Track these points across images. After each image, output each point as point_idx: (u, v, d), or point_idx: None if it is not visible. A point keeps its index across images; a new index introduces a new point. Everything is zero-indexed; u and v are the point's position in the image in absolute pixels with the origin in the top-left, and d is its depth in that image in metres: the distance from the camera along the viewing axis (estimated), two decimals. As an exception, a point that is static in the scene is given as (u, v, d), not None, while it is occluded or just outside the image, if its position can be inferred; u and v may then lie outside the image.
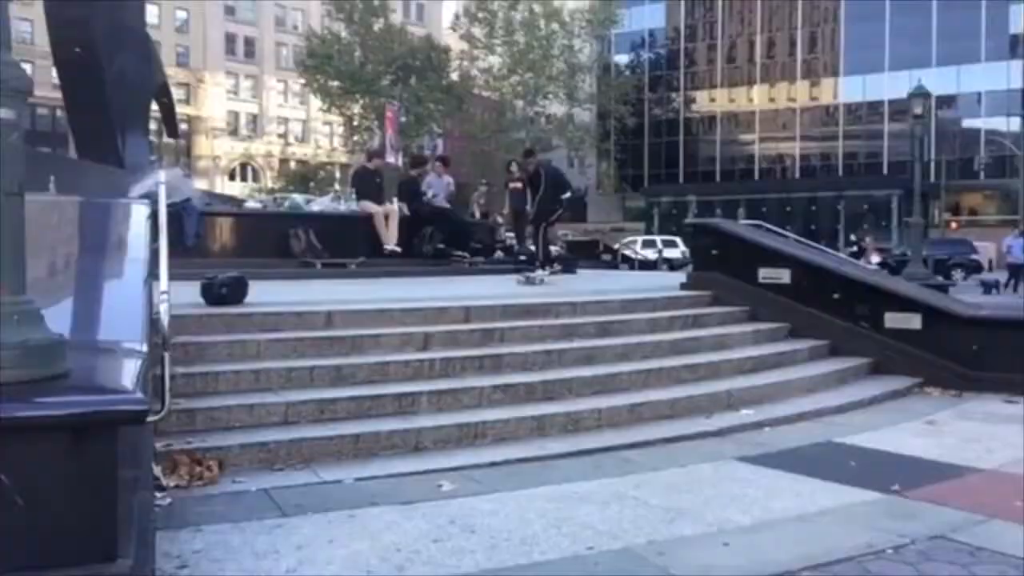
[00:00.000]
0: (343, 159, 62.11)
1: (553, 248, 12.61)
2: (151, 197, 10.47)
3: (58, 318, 4.20)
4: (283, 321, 6.28)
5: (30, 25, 57.52)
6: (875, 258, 19.78)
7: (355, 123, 54.31)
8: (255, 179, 67.08)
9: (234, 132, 68.66)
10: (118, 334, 4.02)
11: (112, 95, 13.53)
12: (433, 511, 4.06)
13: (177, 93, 67.13)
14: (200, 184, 61.86)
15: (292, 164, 67.26)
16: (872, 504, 4.31)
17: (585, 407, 5.92)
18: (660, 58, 68.06)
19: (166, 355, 4.13)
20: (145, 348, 3.82)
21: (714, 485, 4.65)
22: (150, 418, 4.13)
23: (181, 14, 67.60)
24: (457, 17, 58.71)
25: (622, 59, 67.71)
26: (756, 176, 62.63)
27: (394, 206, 11.37)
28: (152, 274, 5.17)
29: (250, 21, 70.70)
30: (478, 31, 56.09)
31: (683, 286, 9.43)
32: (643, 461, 5.13)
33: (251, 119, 70.42)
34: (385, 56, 52.88)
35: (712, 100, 64.83)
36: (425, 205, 11.80)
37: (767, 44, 62.60)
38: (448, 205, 12.42)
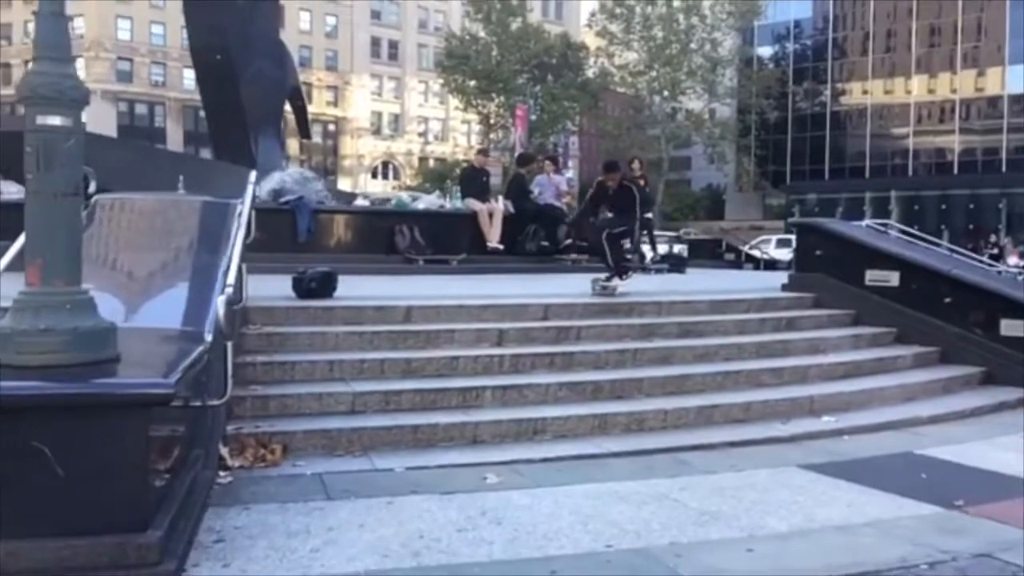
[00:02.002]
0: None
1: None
2: (273, 196, 11.11)
3: (136, 307, 4.60)
4: (363, 315, 6.55)
5: (163, 28, 61.63)
6: (1013, 260, 18.37)
7: (491, 121, 55.18)
8: (396, 176, 69.31)
9: (377, 132, 71.15)
10: (185, 322, 4.36)
11: (246, 99, 14.42)
12: (468, 502, 4.17)
13: (326, 95, 70.45)
14: (343, 182, 64.58)
15: (431, 162, 69.00)
16: (925, 518, 4.11)
17: (651, 407, 5.89)
18: (806, 49, 65.63)
19: (229, 345, 4.46)
20: (209, 337, 4.13)
21: (764, 491, 4.55)
22: (212, 402, 4.47)
23: (331, 20, 70.63)
24: (593, 14, 58.59)
25: (765, 51, 65.73)
26: (910, 172, 59.36)
27: (499, 204, 11.56)
28: (242, 265, 5.55)
29: (394, 24, 73.03)
30: (615, 27, 55.75)
31: (784, 287, 9.15)
32: (699, 464, 5.07)
33: (393, 119, 72.76)
34: (521, 55, 53.42)
35: (864, 92, 61.88)
36: (531, 203, 11.92)
37: (925, 32, 59.17)
38: (557, 204, 12.48)
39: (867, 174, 60.29)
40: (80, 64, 62.95)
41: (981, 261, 13.27)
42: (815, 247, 9.16)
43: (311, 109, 69.69)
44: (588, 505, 4.20)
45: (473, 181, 11.81)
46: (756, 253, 22.39)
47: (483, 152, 12.86)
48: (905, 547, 3.69)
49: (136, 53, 61.90)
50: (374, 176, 69.53)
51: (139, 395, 3.09)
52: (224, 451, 4.65)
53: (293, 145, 67.56)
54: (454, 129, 71.88)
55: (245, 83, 14.22)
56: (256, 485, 4.36)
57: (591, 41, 59.30)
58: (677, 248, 18.87)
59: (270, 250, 9.92)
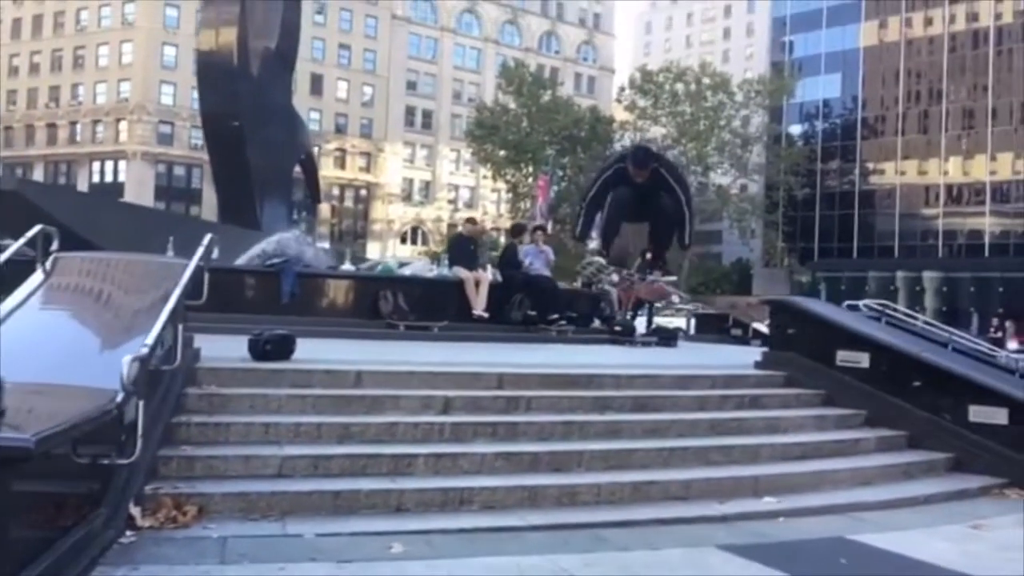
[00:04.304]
0: (508, 224, 63.95)
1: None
2: (263, 257, 11.31)
3: (56, 362, 4.70)
4: (313, 378, 6.60)
5: (172, 88, 63.53)
6: (1013, 344, 18.04)
7: (519, 190, 55.93)
8: (424, 242, 70.09)
9: (408, 198, 72.39)
10: (97, 380, 4.44)
11: (254, 164, 14.84)
12: (359, 570, 4.16)
13: (359, 161, 71.98)
14: (372, 246, 65.40)
15: (459, 228, 69.84)
16: (818, 606, 4.01)
17: (585, 481, 5.83)
18: (835, 128, 66.08)
19: (140, 404, 4.52)
20: (120, 396, 4.21)
21: (671, 569, 4.50)
22: (120, 461, 4.53)
23: (367, 90, 72.66)
24: (623, 89, 59.64)
25: (793, 129, 66.22)
26: (939, 253, 58.87)
27: (486, 272, 11.67)
28: (178, 325, 5.66)
29: (429, 95, 74.87)
30: (643, 102, 56.67)
31: (757, 365, 9.07)
32: (617, 541, 5.00)
33: (424, 185, 74.04)
34: (550, 126, 54.40)
35: (893, 172, 61.88)
36: (520, 272, 12.02)
37: (958, 114, 59.30)
38: (548, 273, 12.58)
39: (896, 253, 59.89)
40: (123, 127, 65.24)
41: (979, 346, 13.07)
42: (788, 325, 9.10)
43: (345, 174, 71.52)
44: (481, 578, 4.17)
45: (461, 249, 11.96)
46: (763, 328, 22.16)
47: (471, 221, 13.06)
48: (783, 635, 3.61)
49: (177, 117, 63.88)
50: (403, 241, 70.46)
51: (-5, 451, 3.15)
52: (135, 510, 4.68)
53: (325, 209, 69.04)
54: (483, 197, 72.92)
55: (254, 148, 14.66)
56: (157, 546, 4.38)
57: (620, 115, 60.24)
58: (676, 322, 18.75)
59: (254, 311, 10.14)
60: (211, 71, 14.92)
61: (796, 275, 63.49)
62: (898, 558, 4.97)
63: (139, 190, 60.87)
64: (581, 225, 6.75)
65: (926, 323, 13.31)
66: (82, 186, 63.18)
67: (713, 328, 20.19)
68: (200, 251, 6.21)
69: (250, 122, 14.20)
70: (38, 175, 65.69)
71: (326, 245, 51.08)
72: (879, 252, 60.64)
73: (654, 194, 6.47)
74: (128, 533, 4.51)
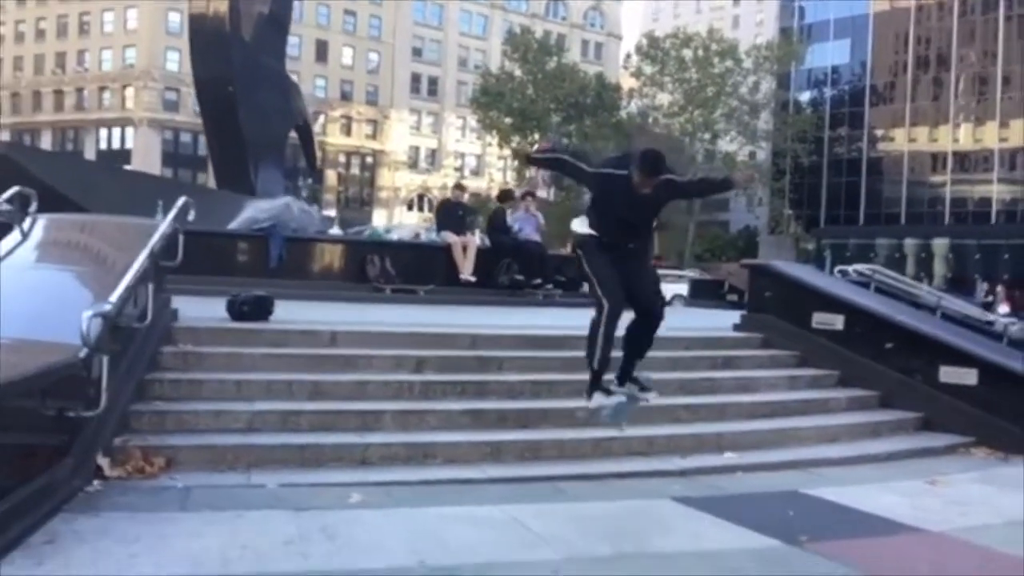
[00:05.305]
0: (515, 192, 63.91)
1: None
2: (252, 222, 11.41)
3: (23, 316, 4.82)
4: (289, 338, 6.75)
5: (178, 54, 63.13)
6: (1004, 308, 18.07)
7: (524, 158, 55.74)
8: (430, 210, 70.08)
9: (414, 165, 72.28)
10: (60, 336, 4.57)
11: (247, 129, 14.91)
12: (314, 518, 4.30)
13: (365, 128, 71.79)
14: (378, 214, 65.43)
15: (466, 196, 69.68)
16: (754, 551, 4.15)
17: (548, 437, 5.98)
18: (843, 94, 65.44)
19: (104, 359, 4.66)
20: (83, 352, 4.34)
21: (618, 519, 4.63)
22: (85, 414, 4.67)
23: (373, 56, 72.23)
24: (628, 55, 59.12)
25: (802, 96, 65.67)
26: (946, 220, 58.53)
27: (474, 237, 11.77)
28: (148, 285, 5.79)
29: (435, 61, 74.42)
30: (649, 68, 56.16)
31: (736, 327, 9.18)
32: (574, 492, 5.15)
33: (430, 153, 73.89)
34: (555, 93, 54.04)
35: (901, 139, 61.41)
36: (509, 238, 12.10)
37: (969, 80, 58.63)
38: (538, 238, 12.65)
39: (903, 220, 59.57)
40: (129, 93, 65.13)
41: (968, 310, 13.12)
42: (765, 288, 9.19)
43: (351, 142, 71.32)
44: (432, 526, 4.31)
45: (449, 214, 12.05)
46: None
47: (459, 187, 13.10)
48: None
49: (183, 83, 63.50)
50: (409, 208, 70.46)
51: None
52: (103, 461, 4.85)
53: (332, 176, 69.00)
54: (490, 164, 72.60)
55: (246, 113, 14.72)
56: (121, 495, 4.53)
57: (627, 82, 59.78)
58: (676, 288, 18.83)
59: (244, 274, 10.28)
60: (203, 36, 14.98)
61: (802, 243, 63.24)
62: (846, 510, 5.10)
63: (146, 157, 60.95)
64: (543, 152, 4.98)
65: (916, 288, 13.36)
66: (89, 153, 63.27)
67: (709, 294, 20.31)
68: (172, 213, 6.32)
69: (242, 87, 14.27)
70: (46, 142, 65.78)
71: (332, 213, 51.17)
72: (886, 219, 60.29)
73: (654, 205, 4.76)
74: (96, 483, 4.67)
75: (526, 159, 7.18)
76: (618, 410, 5.47)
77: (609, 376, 5.57)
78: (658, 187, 5.23)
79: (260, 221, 11.10)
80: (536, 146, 4.51)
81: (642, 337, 5.42)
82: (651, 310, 5.39)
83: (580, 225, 5.42)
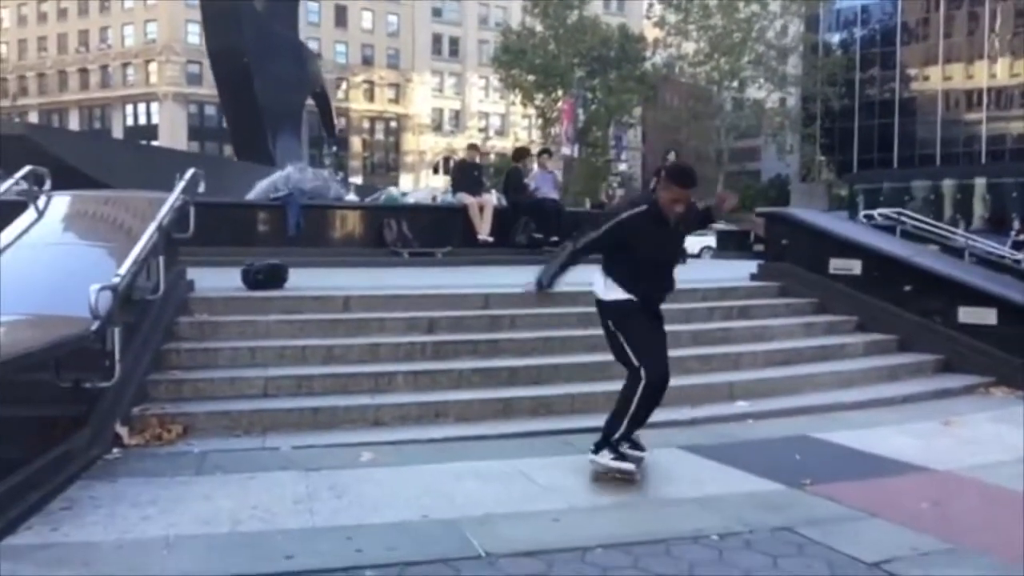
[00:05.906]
0: (536, 150, 63.51)
1: None
2: (270, 191, 11.51)
3: (37, 292, 4.95)
4: (303, 304, 6.86)
5: (198, 27, 62.85)
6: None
7: (548, 115, 55.26)
8: (457, 172, 70.00)
9: (438, 128, 72.02)
10: (73, 309, 4.69)
11: (263, 99, 14.97)
12: (324, 477, 4.41)
13: (387, 93, 71.58)
14: (405, 178, 65.46)
15: (492, 156, 69.44)
16: (757, 494, 4.20)
17: (559, 392, 6.04)
18: (874, 34, 63.81)
19: (116, 331, 4.78)
20: (95, 324, 4.46)
21: (624, 470, 4.67)
22: (100, 385, 4.80)
23: (392, 19, 71.76)
24: (651, 4, 58.12)
25: (831, 37, 64.15)
26: (983, 159, 57.19)
27: (491, 197, 11.76)
28: (159, 257, 5.90)
29: (455, 21, 73.70)
30: (673, 17, 55.17)
31: (753, 277, 9.14)
32: (581, 444, 5.15)
33: (454, 115, 73.52)
34: (578, 48, 53.36)
35: (935, 77, 59.86)
36: (527, 196, 12.08)
37: (1006, 12, 56.82)
38: (555, 196, 12.61)
39: (938, 162, 58.31)
40: (153, 68, 65.44)
41: (999, 250, 12.93)
42: (782, 236, 9.13)
43: (374, 107, 71.15)
44: (439, 481, 4.40)
45: (465, 175, 12.05)
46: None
47: (474, 147, 13.02)
48: (712, 519, 3.81)
49: (205, 56, 63.81)
50: (435, 172, 70.28)
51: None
52: (122, 430, 5.00)
53: (357, 142, 69.05)
54: (514, 124, 72.11)
55: (262, 83, 14.76)
56: (139, 461, 4.68)
57: (651, 32, 58.81)
58: (705, 240, 18.71)
59: (263, 244, 10.40)
60: (214, 7, 14.99)
61: (835, 189, 62.28)
62: (855, 453, 5.11)
63: (172, 131, 61.43)
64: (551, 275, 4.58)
65: (942, 229, 13.17)
66: (117, 130, 63.87)
67: (735, 245, 20.16)
68: (180, 185, 6.41)
69: (256, 57, 14.30)
70: (73, 122, 66.54)
71: (358, 180, 51.25)
72: (921, 161, 59.01)
73: (683, 232, 4.18)
74: (115, 451, 4.83)
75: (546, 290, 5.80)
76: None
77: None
78: (691, 205, 4.62)
79: (278, 189, 11.19)
80: (536, 285, 4.01)
81: (654, 405, 4.75)
82: (668, 377, 4.70)
83: (606, 291, 4.72)
